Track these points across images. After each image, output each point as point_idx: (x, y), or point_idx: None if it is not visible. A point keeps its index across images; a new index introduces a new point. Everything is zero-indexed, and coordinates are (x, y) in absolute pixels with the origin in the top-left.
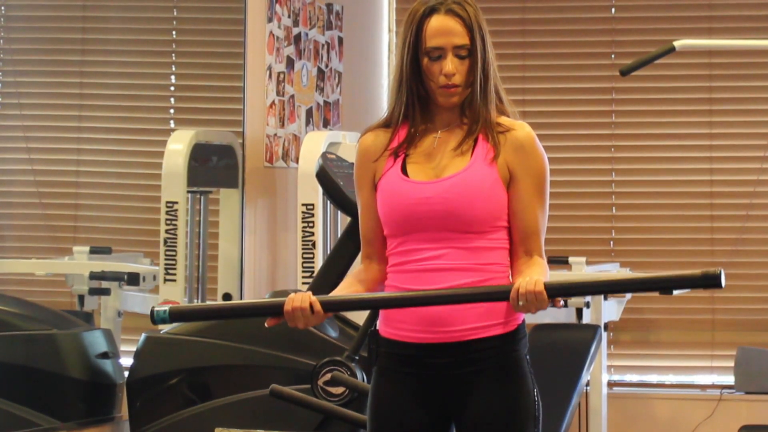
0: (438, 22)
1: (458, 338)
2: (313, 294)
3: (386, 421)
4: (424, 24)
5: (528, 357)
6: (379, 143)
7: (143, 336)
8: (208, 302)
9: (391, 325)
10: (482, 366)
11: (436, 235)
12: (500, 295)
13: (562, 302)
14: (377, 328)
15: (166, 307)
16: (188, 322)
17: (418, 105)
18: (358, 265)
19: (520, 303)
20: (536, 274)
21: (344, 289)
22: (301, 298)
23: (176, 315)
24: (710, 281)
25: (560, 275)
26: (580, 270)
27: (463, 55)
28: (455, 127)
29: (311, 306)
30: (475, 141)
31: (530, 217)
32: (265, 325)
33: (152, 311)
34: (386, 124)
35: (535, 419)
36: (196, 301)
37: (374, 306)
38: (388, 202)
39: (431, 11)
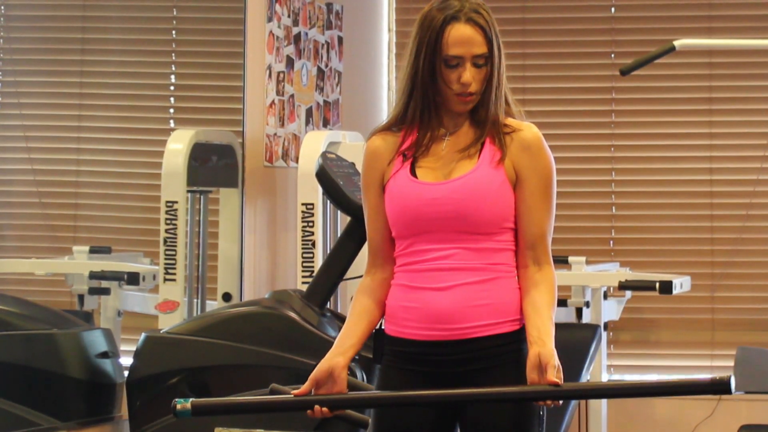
0: (459, 31)
1: (463, 335)
2: (312, 294)
3: (391, 419)
4: (444, 32)
5: None
6: (387, 146)
7: (143, 335)
8: (231, 397)
9: (396, 323)
10: (487, 364)
11: (445, 236)
12: (520, 397)
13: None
14: (382, 326)
15: (189, 402)
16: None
17: (433, 109)
18: (358, 263)
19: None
20: (545, 314)
21: (360, 320)
22: (320, 411)
23: (199, 409)
24: (719, 387)
25: (560, 275)
26: (580, 270)
27: (480, 63)
28: (463, 130)
29: (322, 412)
30: (483, 143)
31: (536, 218)
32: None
33: (174, 406)
34: (393, 126)
35: (539, 418)
36: (196, 300)
37: (391, 403)
38: (396, 203)
39: (452, 19)
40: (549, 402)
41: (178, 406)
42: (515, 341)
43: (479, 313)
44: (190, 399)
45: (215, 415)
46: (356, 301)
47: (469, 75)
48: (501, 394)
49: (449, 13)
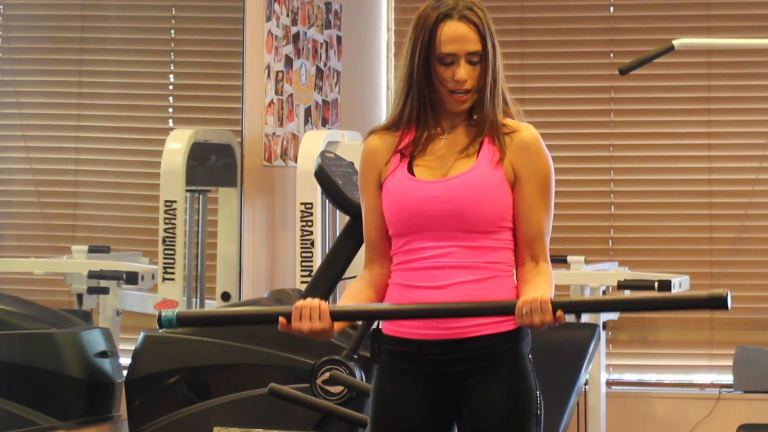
0: (452, 28)
1: (461, 335)
2: (311, 293)
3: (389, 418)
4: (438, 30)
5: (530, 356)
6: (385, 144)
7: (142, 335)
8: (217, 308)
9: (394, 323)
10: (485, 363)
11: (442, 234)
12: (507, 308)
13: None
14: (380, 326)
15: (174, 312)
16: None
17: (430, 109)
18: (357, 263)
19: (524, 311)
20: (542, 288)
21: (354, 295)
22: (311, 301)
23: (183, 320)
24: (715, 303)
25: (559, 274)
26: (579, 269)
27: (474, 61)
28: (462, 129)
29: (320, 309)
30: (481, 143)
31: (534, 218)
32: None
33: (159, 315)
34: (391, 126)
35: (536, 418)
36: (195, 300)
37: (382, 317)
38: (394, 200)
39: (444, 17)
40: (538, 321)
41: (164, 313)
42: (513, 341)
43: None
44: (176, 310)
45: (200, 326)
46: (351, 286)
47: (464, 72)
48: (491, 308)
49: (442, 11)
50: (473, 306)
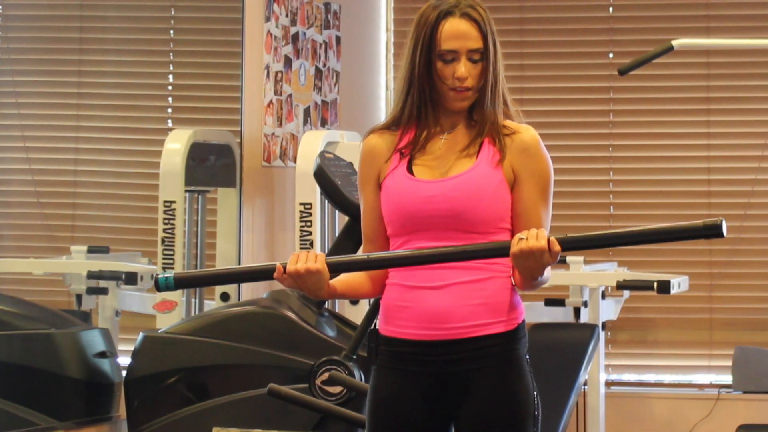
0: (453, 25)
1: (458, 335)
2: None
3: (386, 419)
4: (439, 27)
5: (528, 357)
6: (384, 144)
7: (141, 335)
8: (212, 268)
9: (391, 323)
10: (482, 364)
11: (440, 234)
12: (503, 248)
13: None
14: (377, 326)
15: (171, 274)
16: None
17: (430, 107)
18: None
19: (520, 236)
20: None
21: (348, 275)
22: (314, 258)
23: (181, 281)
24: (711, 231)
25: (559, 274)
26: (578, 269)
27: (476, 59)
28: (462, 129)
29: (316, 254)
30: (481, 143)
31: (533, 220)
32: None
33: (156, 278)
34: (391, 125)
35: (534, 418)
36: (194, 300)
37: (377, 266)
38: (393, 200)
39: (446, 14)
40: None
41: (160, 275)
42: (510, 341)
43: (474, 312)
44: (174, 272)
45: (197, 286)
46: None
47: (465, 69)
48: (488, 248)
49: (444, 9)
50: (470, 248)
